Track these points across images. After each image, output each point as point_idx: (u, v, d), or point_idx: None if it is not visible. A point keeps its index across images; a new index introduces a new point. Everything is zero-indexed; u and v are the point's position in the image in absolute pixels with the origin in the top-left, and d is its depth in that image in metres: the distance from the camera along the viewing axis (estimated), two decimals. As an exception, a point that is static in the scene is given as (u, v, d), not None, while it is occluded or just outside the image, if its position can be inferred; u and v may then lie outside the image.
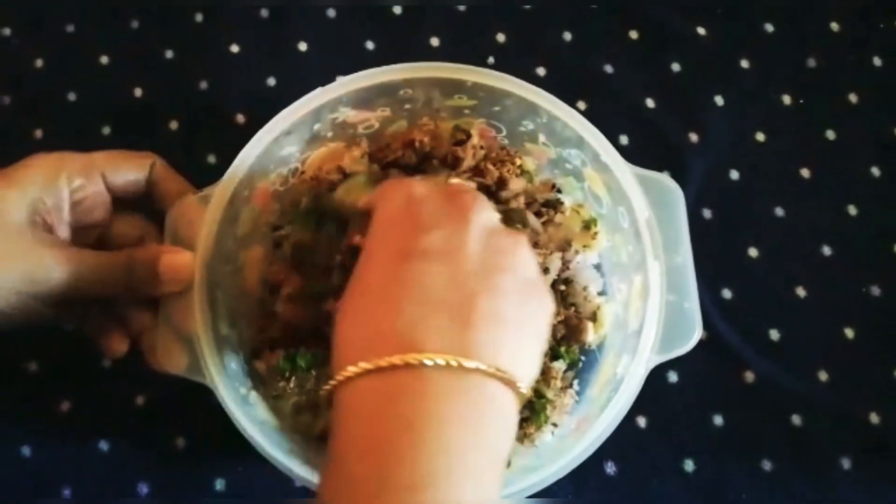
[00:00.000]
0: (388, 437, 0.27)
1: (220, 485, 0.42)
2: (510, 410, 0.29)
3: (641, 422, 0.44)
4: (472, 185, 0.38)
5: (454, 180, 0.38)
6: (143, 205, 0.40)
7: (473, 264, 0.30)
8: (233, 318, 0.39)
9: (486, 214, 0.32)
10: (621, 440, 0.42)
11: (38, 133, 0.48)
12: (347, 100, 0.40)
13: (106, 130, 0.49)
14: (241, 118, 0.49)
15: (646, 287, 0.37)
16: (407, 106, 0.42)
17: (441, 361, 0.27)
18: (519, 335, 0.30)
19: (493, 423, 0.28)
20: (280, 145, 0.39)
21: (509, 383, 0.29)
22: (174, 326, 0.36)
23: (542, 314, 0.31)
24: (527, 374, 0.30)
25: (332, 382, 0.29)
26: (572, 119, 0.38)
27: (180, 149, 0.48)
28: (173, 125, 0.49)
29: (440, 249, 0.30)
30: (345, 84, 0.39)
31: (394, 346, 0.28)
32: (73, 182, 0.36)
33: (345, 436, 0.28)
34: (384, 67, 0.39)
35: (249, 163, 0.38)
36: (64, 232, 0.37)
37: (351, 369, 0.28)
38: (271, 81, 0.50)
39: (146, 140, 0.46)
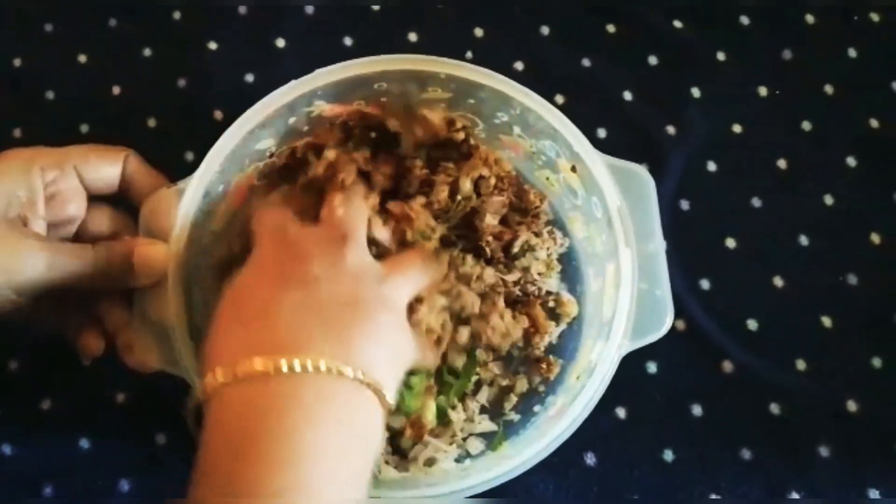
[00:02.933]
0: (262, 441, 0.28)
1: (199, 480, 0.42)
2: (379, 420, 0.31)
3: (621, 413, 0.44)
4: (345, 202, 0.37)
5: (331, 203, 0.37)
6: (118, 199, 0.40)
7: (351, 289, 0.32)
8: (209, 312, 0.39)
9: (359, 252, 0.34)
10: (601, 431, 0.43)
11: (17, 132, 0.48)
12: (323, 93, 0.40)
13: (84, 129, 0.49)
14: (219, 115, 0.49)
15: (618, 274, 0.37)
16: (383, 100, 0.42)
17: (322, 366, 0.29)
18: (389, 356, 0.32)
19: (364, 425, 0.30)
20: (255, 138, 0.40)
21: (378, 393, 0.30)
22: (149, 321, 0.36)
23: (405, 354, 0.34)
24: (391, 387, 0.32)
25: (203, 388, 0.29)
26: (544, 110, 0.38)
27: (158, 146, 0.46)
28: (151, 122, 0.49)
29: (320, 277, 0.32)
30: (319, 77, 0.39)
31: (272, 352, 0.29)
32: (47, 176, 0.36)
33: (217, 437, 0.29)
34: (358, 60, 0.39)
35: (224, 156, 0.38)
36: (39, 226, 0.37)
37: (220, 373, 0.29)
38: (249, 78, 0.50)
39: (124, 138, 0.45)
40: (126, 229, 0.39)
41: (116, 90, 0.49)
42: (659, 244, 0.37)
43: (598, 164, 0.38)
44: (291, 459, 0.27)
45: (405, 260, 0.37)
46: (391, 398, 0.31)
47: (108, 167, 0.38)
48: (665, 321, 0.36)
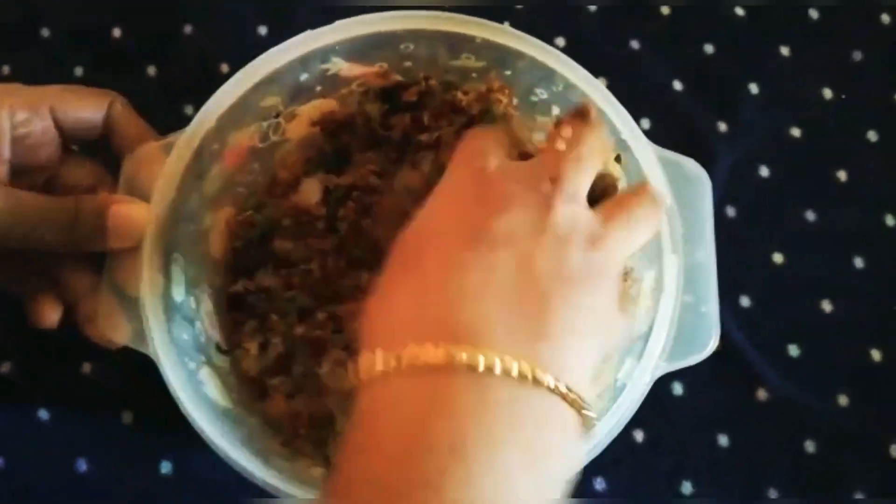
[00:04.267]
0: (429, 455, 0.21)
1: (165, 468, 0.39)
2: (578, 439, 0.25)
3: (638, 435, 0.40)
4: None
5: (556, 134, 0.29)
6: (99, 150, 0.35)
7: (552, 260, 0.25)
8: (191, 284, 0.35)
9: (576, 205, 0.27)
10: (614, 454, 0.38)
11: (6, 69, 0.45)
12: (341, 49, 0.35)
13: (79, 71, 0.45)
14: (225, 68, 0.45)
15: (660, 284, 0.32)
16: (407, 63, 0.37)
17: (514, 369, 0.22)
18: (593, 354, 0.25)
19: (559, 453, 0.24)
20: (260, 94, 0.35)
21: (579, 407, 0.24)
22: (118, 291, 0.32)
23: (609, 339, 0.27)
24: (593, 398, 0.25)
25: (360, 372, 0.23)
26: (592, 88, 0.34)
27: (156, 97, 0.44)
28: (151, 70, 0.45)
29: (516, 236, 0.25)
30: (338, 30, 0.35)
31: (449, 340, 0.23)
32: (16, 115, 0.32)
33: (372, 440, 0.23)
34: (384, 13, 0.35)
35: (222, 110, 0.34)
36: (3, 171, 0.32)
37: (381, 360, 0.23)
38: (262, 30, 0.46)
39: (120, 84, 0.41)
40: (103, 184, 0.35)
41: (117, 32, 0.45)
42: (710, 253, 0.32)
43: (648, 154, 0.33)
44: (476, 485, 0.21)
45: (629, 204, 0.28)
46: (594, 412, 0.25)
47: (89, 112, 0.34)
48: (709, 343, 0.32)
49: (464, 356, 0.22)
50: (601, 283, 0.26)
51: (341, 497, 0.22)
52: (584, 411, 0.24)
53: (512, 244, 0.25)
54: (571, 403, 0.24)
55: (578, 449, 0.25)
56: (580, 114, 0.30)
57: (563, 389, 0.23)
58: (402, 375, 0.23)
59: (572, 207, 0.27)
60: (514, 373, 0.22)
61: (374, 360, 0.23)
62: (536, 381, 0.23)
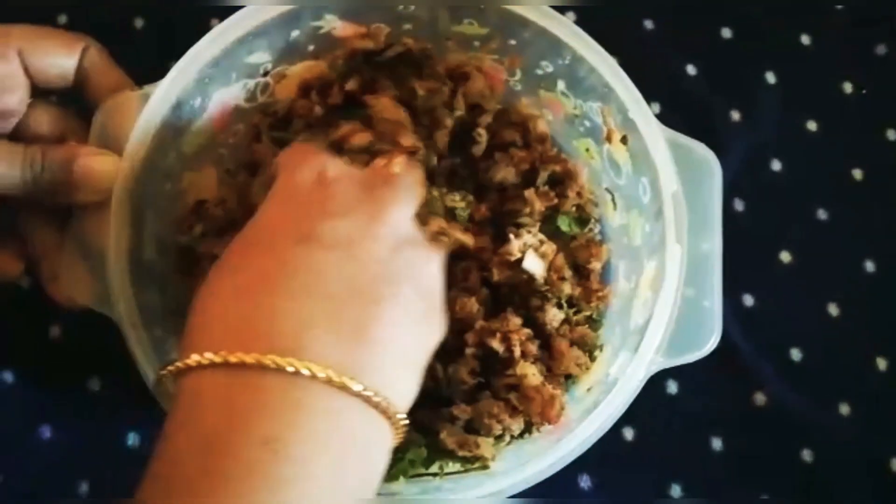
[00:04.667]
0: (242, 452, 0.22)
1: (132, 439, 0.37)
2: (386, 446, 0.25)
3: (628, 433, 0.38)
4: (406, 167, 0.30)
5: (391, 161, 0.31)
6: (70, 98, 0.33)
7: (378, 268, 0.26)
8: (163, 245, 0.32)
9: (405, 214, 0.28)
10: (602, 452, 0.36)
11: None
12: (335, 6, 0.33)
13: (62, 19, 0.43)
14: (216, 24, 0.42)
15: (660, 275, 0.30)
16: (407, 26, 0.35)
17: (322, 375, 0.23)
18: (408, 363, 0.26)
19: (362, 457, 0.24)
20: (247, 48, 0.33)
21: (391, 416, 0.25)
22: (85, 249, 0.30)
23: (430, 343, 0.28)
24: (409, 398, 0.26)
25: (179, 364, 0.24)
26: (600, 60, 0.32)
27: (143, 51, 0.41)
28: (139, 23, 0.43)
29: (344, 242, 0.26)
30: (332, -17, 0.32)
31: (267, 344, 0.24)
32: None
33: (186, 432, 0.23)
34: (383, -32, 0.32)
35: (204, 62, 0.32)
36: (-36, 114, 0.30)
37: (208, 356, 0.24)
38: (258, -12, 0.43)
39: (105, 37, 0.39)
40: (74, 135, 0.33)
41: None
42: (716, 245, 0.31)
43: (657, 137, 0.31)
44: (270, 480, 0.22)
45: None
46: (404, 420, 0.25)
47: (61, 56, 0.32)
48: (710, 339, 0.30)
49: (280, 361, 0.23)
50: (425, 289, 0.27)
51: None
52: (396, 416, 0.25)
53: (340, 248, 0.26)
54: (382, 410, 0.24)
55: (383, 454, 0.25)
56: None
57: (373, 396, 0.24)
58: (219, 371, 0.24)
59: (404, 216, 0.28)
60: (322, 376, 0.23)
61: (190, 359, 0.24)
62: (345, 387, 0.23)
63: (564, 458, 0.29)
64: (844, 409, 0.39)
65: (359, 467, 0.24)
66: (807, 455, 0.38)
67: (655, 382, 0.38)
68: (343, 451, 0.24)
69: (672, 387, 0.39)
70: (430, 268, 0.28)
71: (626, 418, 0.37)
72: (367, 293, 0.25)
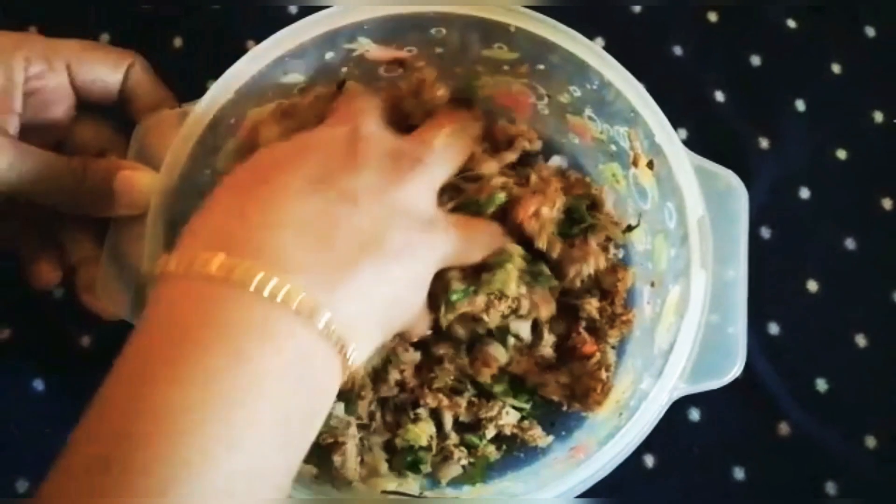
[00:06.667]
0: (182, 364, 0.23)
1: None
2: (334, 381, 0.26)
3: (648, 461, 0.38)
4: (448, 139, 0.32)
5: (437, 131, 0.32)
6: (114, 113, 0.34)
7: (380, 228, 0.27)
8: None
9: (422, 190, 0.29)
10: (621, 478, 0.36)
11: (33, 30, 0.43)
12: (370, 29, 0.34)
13: (104, 38, 0.44)
14: (252, 45, 0.43)
15: (685, 300, 0.30)
16: (438, 50, 0.36)
17: (279, 293, 0.23)
18: (388, 311, 0.27)
19: (310, 387, 0.25)
20: (283, 68, 0.34)
21: (342, 350, 0.25)
22: (121, 260, 0.31)
23: (415, 303, 0.29)
24: (366, 347, 0.27)
25: (155, 269, 0.25)
26: (628, 86, 0.32)
27: (180, 70, 0.42)
28: (177, 42, 0.44)
29: (356, 196, 0.27)
30: (367, 8, 0.33)
31: (243, 255, 0.24)
32: (31, 66, 0.31)
33: (144, 335, 0.24)
34: (416, -6, 0.33)
35: (242, 82, 0.33)
36: (13, 124, 0.31)
37: (174, 262, 0.24)
38: (293, 9, 0.44)
39: (144, 55, 0.41)
40: (115, 149, 0.34)
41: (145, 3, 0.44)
42: (741, 271, 0.30)
43: (683, 162, 0.31)
44: (212, 396, 0.22)
45: (479, 228, 0.32)
46: (356, 359, 0.26)
47: (107, 71, 0.33)
48: (734, 366, 0.30)
49: (251, 276, 0.23)
50: (419, 261, 0.28)
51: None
52: (346, 351, 0.25)
53: (350, 203, 0.27)
54: (335, 342, 0.25)
55: (335, 381, 0.26)
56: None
57: (333, 328, 0.24)
58: (186, 279, 0.24)
59: (425, 193, 0.29)
60: (279, 298, 0.23)
61: (169, 262, 0.25)
62: (310, 316, 0.24)
63: (585, 483, 0.29)
64: (871, 441, 0.38)
65: (302, 396, 0.24)
66: (830, 488, 0.38)
67: (677, 409, 0.38)
68: (293, 380, 0.24)
69: (694, 414, 0.39)
70: (427, 255, 0.29)
71: (647, 445, 0.37)
72: (353, 243, 0.26)
